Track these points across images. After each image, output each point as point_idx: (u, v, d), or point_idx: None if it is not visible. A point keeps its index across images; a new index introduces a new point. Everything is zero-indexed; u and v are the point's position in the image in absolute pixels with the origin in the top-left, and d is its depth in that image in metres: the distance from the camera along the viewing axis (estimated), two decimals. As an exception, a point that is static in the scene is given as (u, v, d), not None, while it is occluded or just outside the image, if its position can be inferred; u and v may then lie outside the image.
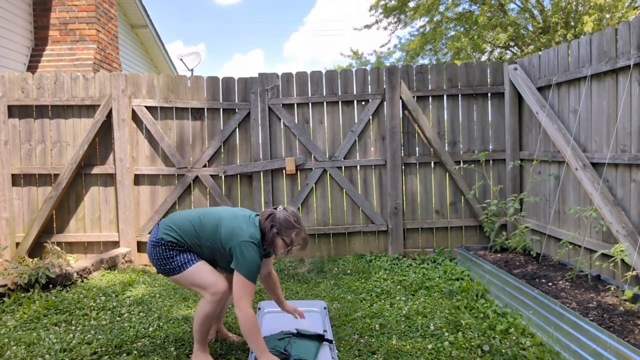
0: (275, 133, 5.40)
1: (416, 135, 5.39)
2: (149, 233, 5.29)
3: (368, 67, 5.81)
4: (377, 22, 14.47)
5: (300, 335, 2.91)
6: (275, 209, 2.76)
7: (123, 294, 4.16)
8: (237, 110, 5.36)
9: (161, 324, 3.46)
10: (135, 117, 5.30)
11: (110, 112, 5.18)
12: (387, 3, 13.58)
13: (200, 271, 2.70)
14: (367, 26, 14.94)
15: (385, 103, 5.32)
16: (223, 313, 3.15)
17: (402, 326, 3.35)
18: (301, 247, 2.76)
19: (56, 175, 5.22)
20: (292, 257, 5.41)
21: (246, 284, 2.56)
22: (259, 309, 3.45)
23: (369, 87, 5.38)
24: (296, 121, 5.39)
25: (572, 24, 11.01)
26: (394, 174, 5.32)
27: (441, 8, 13.08)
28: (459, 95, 5.33)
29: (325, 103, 5.40)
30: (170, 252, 2.71)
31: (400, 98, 5.30)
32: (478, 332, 3.21)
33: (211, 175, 5.33)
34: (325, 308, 3.47)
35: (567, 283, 3.49)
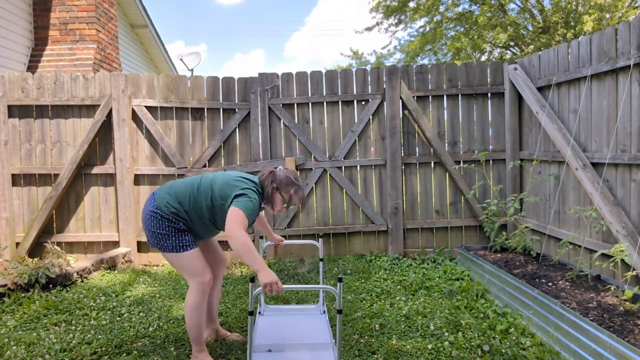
0: (275, 133, 5.40)
1: (416, 135, 5.39)
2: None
3: (368, 67, 5.80)
4: (377, 24, 14.50)
5: None
6: (275, 168, 2.85)
7: (123, 294, 4.16)
8: (237, 110, 5.36)
9: (161, 324, 3.46)
10: (135, 117, 5.30)
11: (110, 112, 5.19)
12: (388, 4, 13.59)
13: (193, 258, 2.69)
14: (368, 28, 14.96)
15: (385, 103, 5.32)
16: (215, 311, 3.14)
17: (402, 326, 3.35)
18: (300, 206, 2.90)
19: (56, 175, 5.22)
20: (292, 257, 5.41)
21: (242, 217, 2.53)
22: (260, 313, 3.45)
23: (369, 87, 5.38)
24: (296, 121, 5.39)
25: (572, 23, 11.02)
26: (394, 174, 5.32)
27: (441, 8, 13.09)
28: (459, 95, 5.33)
29: (325, 103, 5.40)
30: (167, 228, 2.66)
31: (400, 98, 5.30)
32: (478, 332, 3.21)
33: (211, 175, 5.32)
34: (324, 312, 3.47)
35: (567, 283, 3.49)
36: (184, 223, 2.70)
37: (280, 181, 2.75)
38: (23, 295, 4.01)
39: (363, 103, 5.41)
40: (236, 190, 2.65)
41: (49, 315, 3.66)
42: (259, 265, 2.41)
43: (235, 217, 2.52)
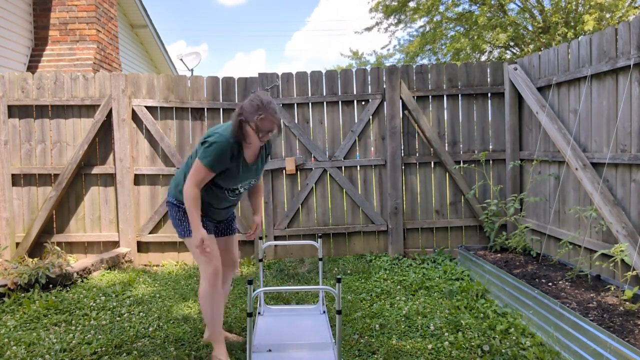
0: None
1: (416, 135, 5.39)
2: (150, 232, 5.30)
3: (368, 67, 5.80)
4: (377, 24, 14.50)
5: None
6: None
7: (123, 294, 4.16)
8: (237, 110, 5.35)
9: (161, 324, 3.47)
10: (135, 117, 5.30)
11: (110, 112, 5.18)
12: (388, 3, 13.59)
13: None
14: (368, 28, 14.97)
15: (385, 103, 5.32)
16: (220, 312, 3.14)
17: (402, 326, 3.35)
18: (275, 131, 2.59)
19: (56, 175, 5.22)
20: (292, 257, 5.41)
21: (201, 169, 2.52)
22: (259, 313, 3.45)
23: (369, 87, 5.38)
24: (296, 121, 5.39)
25: (572, 23, 11.02)
26: (394, 174, 5.32)
27: (441, 8, 13.10)
28: (459, 95, 5.33)
29: (325, 103, 5.40)
30: (179, 213, 2.75)
31: (400, 98, 5.30)
32: (478, 332, 3.21)
33: (211, 175, 5.32)
34: (324, 312, 3.47)
35: (567, 283, 3.49)
36: None
37: (244, 111, 2.50)
38: (23, 295, 4.01)
39: (363, 103, 5.41)
40: (201, 141, 2.61)
41: (49, 315, 3.66)
42: (194, 226, 2.48)
43: (191, 172, 2.55)
